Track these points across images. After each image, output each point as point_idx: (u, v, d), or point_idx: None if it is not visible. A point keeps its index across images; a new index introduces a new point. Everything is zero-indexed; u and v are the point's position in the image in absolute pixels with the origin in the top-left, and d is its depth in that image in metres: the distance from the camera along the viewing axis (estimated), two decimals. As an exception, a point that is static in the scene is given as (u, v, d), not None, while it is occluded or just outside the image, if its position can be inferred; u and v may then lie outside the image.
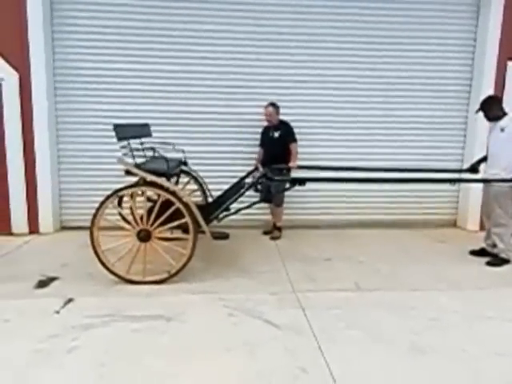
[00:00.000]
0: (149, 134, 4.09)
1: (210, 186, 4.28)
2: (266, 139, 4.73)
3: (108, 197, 3.20)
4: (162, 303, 2.99)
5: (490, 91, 4.83)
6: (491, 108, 3.84)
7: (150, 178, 3.25)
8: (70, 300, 3.03)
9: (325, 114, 5.17)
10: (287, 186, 3.79)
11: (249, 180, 4.07)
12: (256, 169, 4.48)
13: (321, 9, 4.95)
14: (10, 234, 4.75)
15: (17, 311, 2.84)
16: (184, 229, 3.34)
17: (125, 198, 3.57)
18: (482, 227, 4.67)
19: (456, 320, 2.81)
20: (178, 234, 3.53)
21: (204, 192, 4.33)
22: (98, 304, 2.96)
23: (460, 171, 4.57)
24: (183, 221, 3.23)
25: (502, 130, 3.74)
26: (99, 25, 4.77)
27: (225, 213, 3.59)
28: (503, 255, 3.91)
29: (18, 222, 4.77)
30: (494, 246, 3.98)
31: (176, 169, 3.84)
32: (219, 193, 4.13)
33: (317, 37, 4.99)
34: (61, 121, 4.92)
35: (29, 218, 4.80)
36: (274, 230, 4.86)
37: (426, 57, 5.16)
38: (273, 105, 4.58)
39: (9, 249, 4.24)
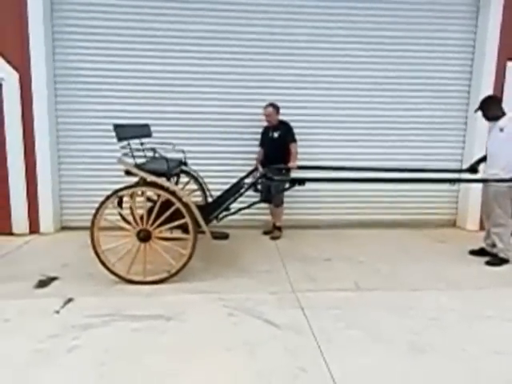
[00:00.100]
0: (149, 135, 4.10)
1: (210, 186, 4.29)
2: (265, 139, 4.74)
3: (108, 197, 3.21)
4: (162, 303, 2.99)
5: (490, 91, 4.84)
6: (490, 108, 3.85)
7: (150, 178, 3.26)
8: (70, 300, 3.04)
9: (325, 114, 5.17)
10: (287, 186, 3.80)
11: (248, 180, 4.07)
12: (256, 169, 4.49)
13: (314, 9, 4.95)
14: (11, 233, 4.76)
15: (17, 311, 2.85)
16: (184, 229, 3.35)
17: (125, 199, 3.58)
18: (481, 227, 4.67)
19: (455, 319, 2.82)
20: (177, 233, 3.53)
21: (204, 192, 4.34)
22: (98, 304, 2.96)
23: (460, 171, 4.58)
24: (183, 221, 3.24)
25: (501, 130, 3.75)
26: (99, 25, 4.78)
27: (224, 213, 3.60)
28: (502, 255, 3.91)
29: (19, 221, 4.78)
30: (494, 245, 3.99)
31: (176, 169, 3.84)
32: (219, 193, 4.14)
33: (314, 37, 5.00)
34: (61, 121, 4.93)
35: (29, 218, 4.81)
36: (274, 230, 4.86)
37: (426, 57, 5.17)
38: (272, 105, 4.59)
39: (9, 249, 4.25)
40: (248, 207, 3.69)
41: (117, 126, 3.19)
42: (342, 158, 5.18)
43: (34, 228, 4.82)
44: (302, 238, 4.77)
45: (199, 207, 3.38)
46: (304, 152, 4.87)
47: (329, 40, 5.02)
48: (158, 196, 3.35)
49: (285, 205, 4.82)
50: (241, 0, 4.86)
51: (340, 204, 5.32)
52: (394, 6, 5.02)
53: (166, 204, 3.24)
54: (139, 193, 3.47)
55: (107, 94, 4.90)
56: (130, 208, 3.60)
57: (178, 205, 3.21)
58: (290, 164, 4.48)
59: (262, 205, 4.63)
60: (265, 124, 4.74)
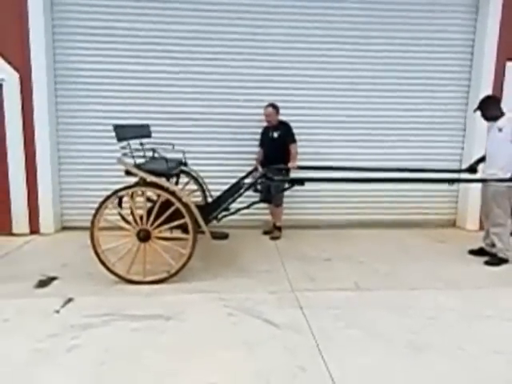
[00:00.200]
0: (149, 135, 4.11)
1: (210, 187, 4.30)
2: (265, 139, 4.74)
3: (108, 197, 3.22)
4: (161, 303, 3.00)
5: (489, 92, 4.84)
6: (489, 108, 3.85)
7: (150, 178, 3.27)
8: (70, 299, 3.05)
9: (324, 114, 5.18)
10: (286, 186, 3.80)
11: (248, 180, 4.08)
12: (255, 169, 4.49)
13: (318, 10, 4.97)
14: (11, 234, 4.77)
15: (17, 310, 2.86)
16: (184, 229, 3.36)
17: (124, 199, 3.59)
18: (481, 227, 4.67)
19: (455, 319, 2.82)
20: (177, 233, 3.54)
21: (204, 192, 4.35)
22: (98, 303, 2.97)
23: (459, 171, 4.58)
24: (182, 221, 3.24)
25: (500, 130, 3.75)
26: (100, 26, 4.79)
27: (224, 213, 3.61)
28: (502, 255, 3.92)
29: (19, 222, 4.79)
30: (493, 245, 3.99)
31: (176, 169, 3.85)
32: (219, 193, 4.14)
33: (314, 38, 5.01)
34: (61, 121, 4.94)
35: (30, 219, 4.82)
36: (273, 230, 4.87)
37: (426, 57, 5.18)
38: (272, 105, 4.60)
39: (9, 249, 4.26)
40: (247, 207, 3.70)
41: (117, 127, 3.20)
42: (341, 158, 5.18)
43: (34, 228, 4.83)
44: (302, 238, 4.78)
45: (199, 207, 3.39)
46: (304, 152, 4.88)
47: (329, 40, 5.03)
48: (158, 196, 3.36)
49: (285, 205, 4.83)
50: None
51: (340, 204, 5.33)
52: (393, 7, 5.02)
53: (166, 204, 3.25)
54: (139, 193, 3.48)
55: (107, 95, 4.92)
56: (130, 208, 3.61)
57: (177, 205, 3.22)
58: (290, 164, 4.49)
59: (262, 205, 4.62)
60: (265, 124, 4.75)
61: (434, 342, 2.51)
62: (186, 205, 3.26)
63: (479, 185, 4.14)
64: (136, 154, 3.41)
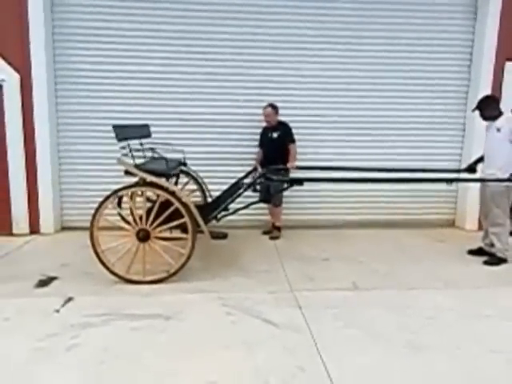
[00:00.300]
0: (148, 135, 4.12)
1: (210, 187, 4.31)
2: (264, 140, 4.75)
3: (107, 197, 3.23)
4: (161, 302, 3.01)
5: (488, 92, 4.84)
6: (487, 107, 3.86)
7: (150, 178, 3.28)
8: (70, 299, 3.06)
9: (324, 114, 5.19)
10: (285, 186, 3.81)
11: (248, 180, 4.09)
12: (255, 169, 4.50)
13: (318, 10, 4.98)
14: (11, 234, 4.78)
15: (17, 310, 2.87)
16: (183, 228, 3.37)
17: (124, 199, 3.59)
18: (480, 227, 4.68)
19: (454, 318, 2.83)
20: (177, 233, 3.55)
21: (203, 192, 4.36)
22: (98, 303, 2.98)
23: (458, 171, 4.58)
24: (182, 221, 3.25)
25: (498, 130, 3.76)
26: (100, 26, 4.80)
27: (223, 213, 3.62)
28: (500, 254, 3.92)
29: (19, 222, 4.80)
30: (492, 245, 3.99)
31: (175, 169, 3.86)
32: (218, 193, 4.15)
33: (313, 38, 5.01)
34: (61, 122, 4.95)
35: (30, 219, 4.83)
36: (273, 230, 4.88)
37: (425, 58, 5.18)
38: (271, 106, 4.61)
39: (9, 249, 4.27)
40: (246, 207, 3.71)
41: (116, 127, 3.21)
42: (340, 158, 5.19)
43: (34, 228, 4.84)
44: (301, 238, 4.79)
45: (198, 207, 3.40)
46: (303, 152, 4.89)
47: (328, 41, 5.03)
48: (158, 196, 3.36)
49: (284, 205, 4.84)
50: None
51: (339, 204, 5.33)
52: (394, 7, 5.03)
53: (165, 204, 3.26)
54: (139, 193, 3.49)
55: (107, 95, 4.93)
56: (130, 208, 3.61)
57: (177, 205, 3.23)
58: (289, 164, 4.50)
59: (262, 205, 4.65)
60: (264, 125, 4.76)
61: (433, 341, 2.52)
62: (185, 205, 3.27)
63: (478, 185, 4.15)
64: (136, 154, 3.42)
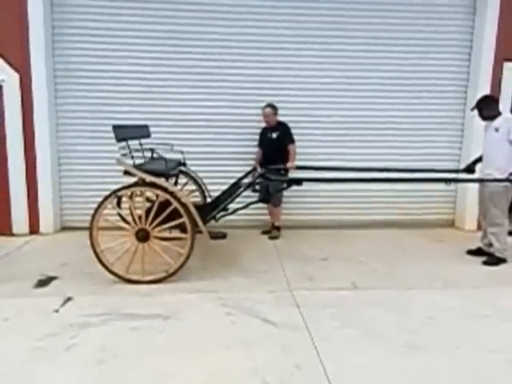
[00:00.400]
0: (148, 135, 4.12)
1: (209, 187, 4.31)
2: (264, 140, 4.76)
3: (107, 197, 3.23)
4: (160, 302, 3.01)
5: (487, 92, 4.84)
6: (486, 107, 3.86)
7: (149, 178, 3.28)
8: (69, 299, 3.06)
9: (323, 115, 5.19)
10: (285, 186, 3.81)
11: (247, 180, 4.10)
12: (254, 169, 4.51)
13: (319, 10, 4.99)
14: (11, 234, 4.78)
15: (16, 310, 2.87)
16: (182, 228, 3.37)
17: (124, 199, 3.60)
18: (479, 227, 4.68)
19: (453, 318, 2.83)
20: (176, 233, 3.55)
21: (203, 192, 4.36)
22: (97, 303, 2.98)
23: (456, 171, 4.59)
24: (181, 220, 3.26)
25: (497, 130, 3.77)
26: (100, 27, 4.80)
27: (222, 213, 3.62)
28: (499, 254, 3.93)
29: (19, 222, 4.80)
30: (491, 245, 4.00)
31: (175, 169, 3.87)
32: (218, 193, 4.15)
33: (313, 38, 5.02)
34: (61, 122, 4.95)
35: (29, 219, 4.83)
36: (272, 230, 4.88)
37: (424, 58, 5.19)
38: (271, 106, 4.61)
39: (9, 249, 4.27)
40: (246, 207, 3.71)
41: (116, 127, 3.21)
42: (339, 158, 5.20)
43: (34, 228, 4.84)
44: (301, 238, 4.79)
45: (197, 207, 3.40)
46: (302, 152, 4.89)
47: (327, 41, 5.04)
48: (157, 196, 3.37)
49: (283, 205, 4.85)
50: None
51: (338, 204, 5.34)
52: (392, 8, 5.03)
53: (165, 204, 3.26)
54: (138, 193, 3.49)
55: (107, 95, 4.93)
56: (129, 208, 3.62)
57: (176, 205, 3.23)
58: (289, 164, 4.50)
59: (261, 205, 4.65)
60: (263, 125, 4.77)
61: (433, 341, 2.52)
62: (184, 205, 3.27)
63: (477, 185, 4.15)
64: (135, 154, 3.42)
